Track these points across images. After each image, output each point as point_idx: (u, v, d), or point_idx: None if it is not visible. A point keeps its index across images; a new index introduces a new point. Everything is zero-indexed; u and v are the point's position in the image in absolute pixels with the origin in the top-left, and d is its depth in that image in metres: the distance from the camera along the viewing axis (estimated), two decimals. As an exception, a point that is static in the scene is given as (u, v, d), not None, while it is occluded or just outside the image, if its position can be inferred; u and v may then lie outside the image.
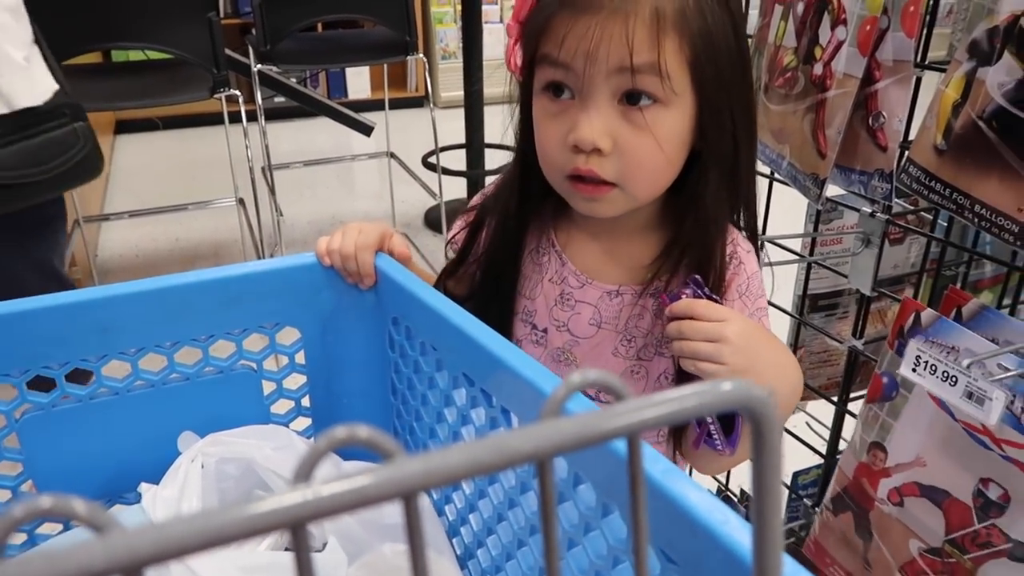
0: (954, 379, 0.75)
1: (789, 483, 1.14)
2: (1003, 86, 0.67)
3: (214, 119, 3.38)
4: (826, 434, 1.07)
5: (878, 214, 0.89)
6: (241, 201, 2.35)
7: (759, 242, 0.75)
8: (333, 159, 3.23)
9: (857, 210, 0.92)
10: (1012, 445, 0.71)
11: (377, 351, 0.75)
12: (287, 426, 0.77)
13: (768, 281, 0.78)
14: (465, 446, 0.18)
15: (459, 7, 3.48)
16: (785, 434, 1.11)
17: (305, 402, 0.78)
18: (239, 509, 0.16)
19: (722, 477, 1.28)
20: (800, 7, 0.89)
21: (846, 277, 0.97)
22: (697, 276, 0.64)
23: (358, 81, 4.29)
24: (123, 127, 3.91)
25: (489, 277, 0.75)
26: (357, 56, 2.58)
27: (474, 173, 2.81)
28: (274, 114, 3.71)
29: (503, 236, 0.74)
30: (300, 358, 0.76)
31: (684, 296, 0.63)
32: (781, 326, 1.02)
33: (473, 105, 2.71)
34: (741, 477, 1.29)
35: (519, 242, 0.74)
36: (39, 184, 1.25)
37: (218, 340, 0.72)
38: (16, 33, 1.25)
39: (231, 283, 0.70)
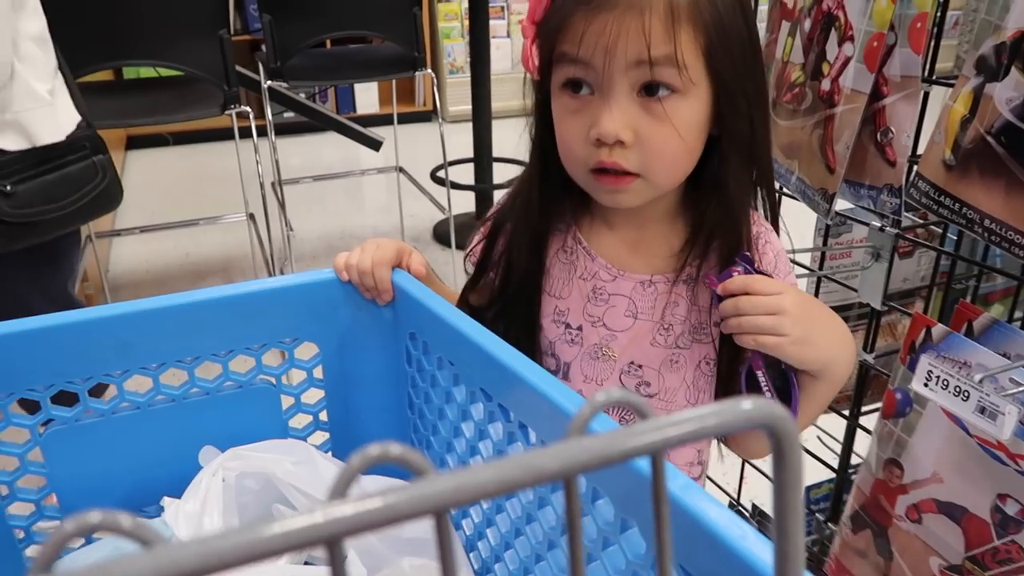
0: (966, 394, 0.75)
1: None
2: (1011, 101, 0.67)
3: (224, 135, 3.41)
4: (838, 448, 1.07)
5: (887, 228, 0.89)
6: (251, 216, 2.37)
7: (778, 220, 0.76)
8: (342, 174, 3.25)
9: (866, 224, 0.92)
10: (1026, 459, 0.71)
11: (394, 366, 0.76)
12: (305, 440, 0.77)
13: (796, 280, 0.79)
14: (494, 464, 0.19)
15: (467, 22, 3.51)
16: (802, 451, 1.10)
17: (323, 416, 0.79)
18: (279, 525, 0.17)
19: (733, 491, 1.27)
20: (807, 23, 0.90)
21: (856, 291, 0.98)
22: (746, 254, 0.66)
23: (367, 96, 4.32)
24: (134, 143, 3.95)
25: (512, 281, 0.75)
26: (366, 72, 2.60)
27: (482, 187, 2.82)
28: (284, 129, 3.74)
29: (525, 238, 0.74)
30: (318, 373, 0.77)
31: (736, 274, 0.64)
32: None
33: (481, 119, 2.72)
34: (752, 492, 1.28)
35: (542, 242, 0.75)
36: (55, 220, 1.21)
37: (237, 355, 0.73)
38: (42, 64, 1.21)
39: (250, 299, 0.71)
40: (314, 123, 3.22)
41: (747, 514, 1.24)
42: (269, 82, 2.25)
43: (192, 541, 0.17)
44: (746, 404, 0.21)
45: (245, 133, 2.04)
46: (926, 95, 0.80)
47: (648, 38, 0.60)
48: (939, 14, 0.78)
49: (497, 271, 0.77)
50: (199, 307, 0.70)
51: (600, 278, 0.74)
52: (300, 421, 0.79)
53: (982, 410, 0.73)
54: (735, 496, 1.27)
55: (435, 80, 2.44)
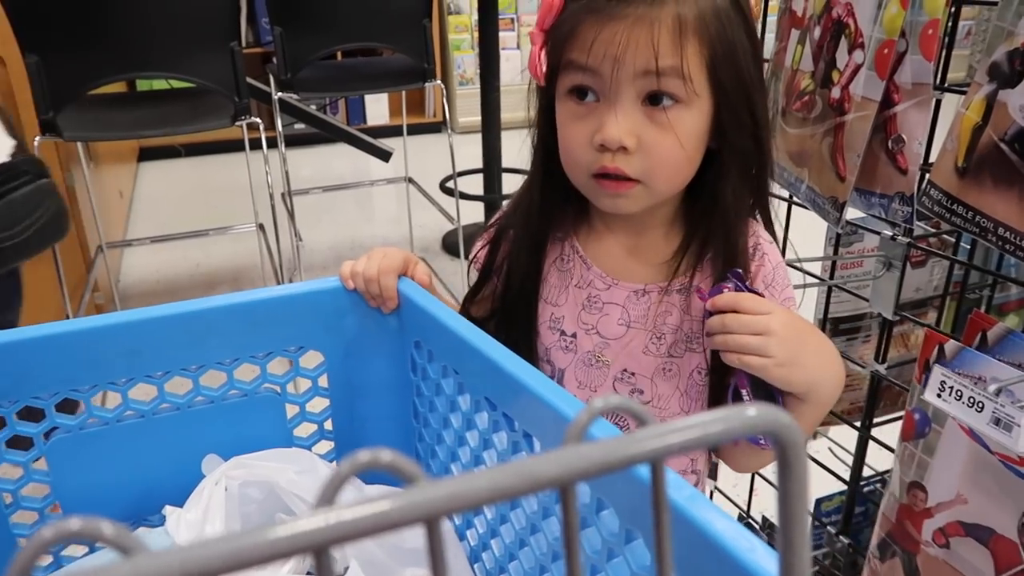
0: (980, 405, 0.73)
1: (812, 510, 1.13)
2: (1024, 108, 0.66)
3: (235, 146, 3.43)
4: (849, 460, 1.05)
5: (899, 237, 0.88)
6: (261, 226, 2.38)
7: (775, 232, 0.76)
8: (352, 184, 3.26)
9: (878, 233, 0.91)
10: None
11: (399, 375, 0.76)
12: (310, 449, 0.77)
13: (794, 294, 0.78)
14: (488, 471, 0.18)
15: (476, 34, 3.52)
16: (807, 460, 1.09)
17: (328, 425, 0.79)
18: (263, 532, 0.16)
19: (743, 503, 1.26)
20: (817, 31, 0.89)
21: (867, 301, 0.96)
22: (738, 270, 0.66)
23: (377, 107, 4.34)
24: (146, 154, 3.97)
25: (513, 285, 0.76)
26: (376, 83, 2.61)
27: (491, 197, 2.82)
28: (294, 141, 3.75)
29: (525, 242, 0.75)
30: (323, 381, 0.77)
31: (726, 290, 0.63)
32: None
33: (491, 130, 2.72)
34: (763, 504, 1.27)
35: (542, 248, 0.76)
36: (9, 249, 1.11)
37: (242, 363, 0.72)
38: None
39: (256, 307, 0.71)
40: (324, 134, 3.24)
41: (757, 527, 1.23)
42: (280, 94, 2.26)
43: (174, 549, 0.16)
44: (751, 411, 0.20)
45: (256, 144, 2.04)
46: (938, 102, 0.79)
47: (656, 49, 0.61)
48: (951, 22, 0.77)
49: (499, 277, 0.77)
50: (205, 315, 0.70)
51: (595, 287, 0.74)
52: (305, 430, 0.78)
53: (997, 421, 0.72)
54: (745, 508, 1.26)
55: (445, 91, 2.45)
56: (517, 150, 0.78)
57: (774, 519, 1.24)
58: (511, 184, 2.79)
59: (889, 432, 0.99)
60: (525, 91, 0.75)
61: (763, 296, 0.65)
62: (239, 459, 0.70)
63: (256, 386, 0.74)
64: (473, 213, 2.84)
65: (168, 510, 0.68)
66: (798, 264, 1.04)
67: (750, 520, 1.25)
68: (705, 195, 0.70)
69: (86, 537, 0.17)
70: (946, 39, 0.77)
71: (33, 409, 0.67)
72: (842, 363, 0.66)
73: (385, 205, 3.50)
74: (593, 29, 0.63)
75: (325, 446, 0.79)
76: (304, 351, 0.75)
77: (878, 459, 1.05)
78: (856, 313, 1.11)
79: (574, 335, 0.75)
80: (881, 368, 0.95)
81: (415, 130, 3.98)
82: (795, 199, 0.99)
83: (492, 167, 2.78)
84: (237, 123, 1.94)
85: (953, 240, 0.99)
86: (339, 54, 3.35)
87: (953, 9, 0.77)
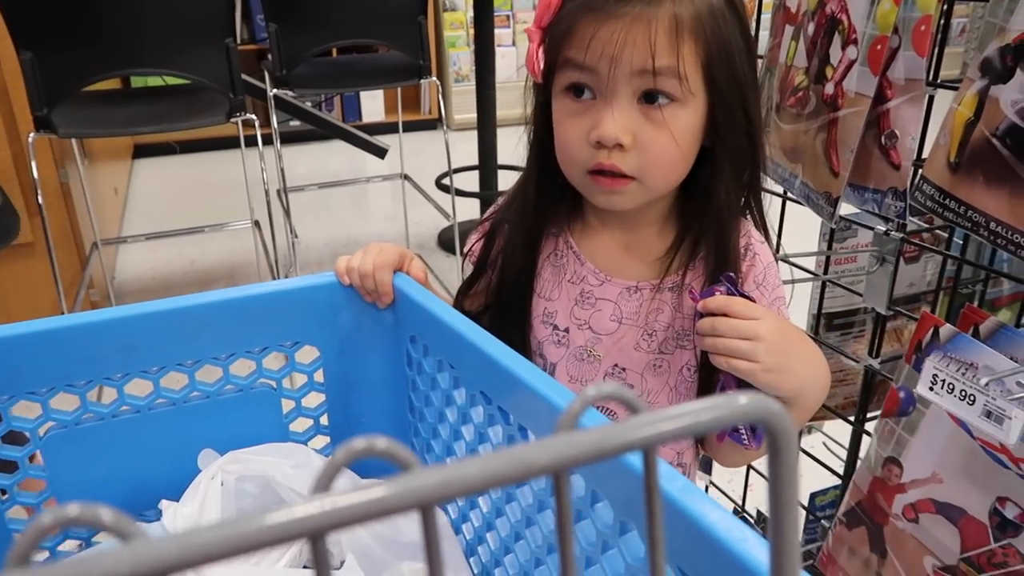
0: (972, 398, 0.74)
1: (807, 504, 1.13)
2: (1016, 103, 0.67)
3: (230, 143, 3.42)
4: (843, 454, 1.06)
5: (892, 232, 0.89)
6: (256, 223, 2.37)
7: (768, 231, 0.77)
8: (347, 181, 3.25)
9: (871, 228, 0.92)
10: (1032, 464, 0.71)
11: (395, 369, 0.76)
12: (306, 444, 0.77)
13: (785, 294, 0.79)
14: (481, 458, 0.18)
15: (472, 31, 3.52)
16: (802, 455, 1.10)
17: (323, 420, 0.79)
18: (260, 519, 0.17)
19: (738, 497, 1.26)
20: (811, 27, 0.90)
21: (861, 296, 0.97)
22: (730, 274, 0.66)
23: (372, 104, 4.33)
24: (141, 151, 3.96)
25: (507, 280, 0.77)
26: (371, 80, 2.60)
27: (487, 194, 2.82)
28: (289, 137, 3.75)
29: (520, 238, 0.76)
30: (319, 377, 0.77)
31: (718, 293, 0.64)
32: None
33: (486, 126, 2.72)
34: (758, 499, 1.27)
35: (537, 243, 0.76)
36: None
37: (238, 359, 0.73)
38: None
39: (251, 302, 0.71)
40: (320, 131, 3.23)
41: (751, 521, 1.23)
42: (275, 90, 2.26)
43: (173, 535, 0.16)
44: (742, 399, 0.21)
45: (251, 141, 2.04)
46: (931, 98, 0.79)
47: (653, 49, 0.62)
48: (943, 19, 0.78)
49: (494, 271, 0.78)
50: (200, 311, 0.70)
51: (588, 282, 0.75)
52: (301, 425, 0.79)
53: (988, 414, 0.73)
54: (740, 503, 1.26)
55: (440, 88, 2.45)
56: (513, 147, 0.78)
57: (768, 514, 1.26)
58: (507, 181, 2.77)
59: (882, 426, 0.99)
60: (521, 88, 0.75)
61: (754, 300, 0.65)
62: (235, 454, 0.71)
63: (252, 381, 0.74)
64: (469, 210, 2.84)
65: (164, 504, 0.69)
66: (792, 259, 1.04)
67: (745, 515, 1.25)
68: (699, 193, 0.71)
69: (85, 523, 0.17)
70: (939, 35, 0.78)
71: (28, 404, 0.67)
72: (828, 370, 0.67)
73: (381, 202, 3.50)
74: (591, 27, 0.63)
75: (321, 441, 0.79)
76: (300, 346, 0.75)
77: (872, 453, 1.05)
78: (850, 308, 1.12)
79: (567, 330, 0.75)
80: (875, 363, 0.95)
81: (411, 127, 3.98)
82: (789, 194, 0.99)
83: (488, 164, 2.78)
84: (232, 120, 1.94)
85: (946, 235, 0.99)
86: (334, 51, 3.35)
87: (945, 6, 0.78)
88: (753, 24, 1.05)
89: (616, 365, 0.74)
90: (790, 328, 0.66)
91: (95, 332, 0.67)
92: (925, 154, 0.79)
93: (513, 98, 0.80)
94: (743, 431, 0.63)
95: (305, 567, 0.63)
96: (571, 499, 0.21)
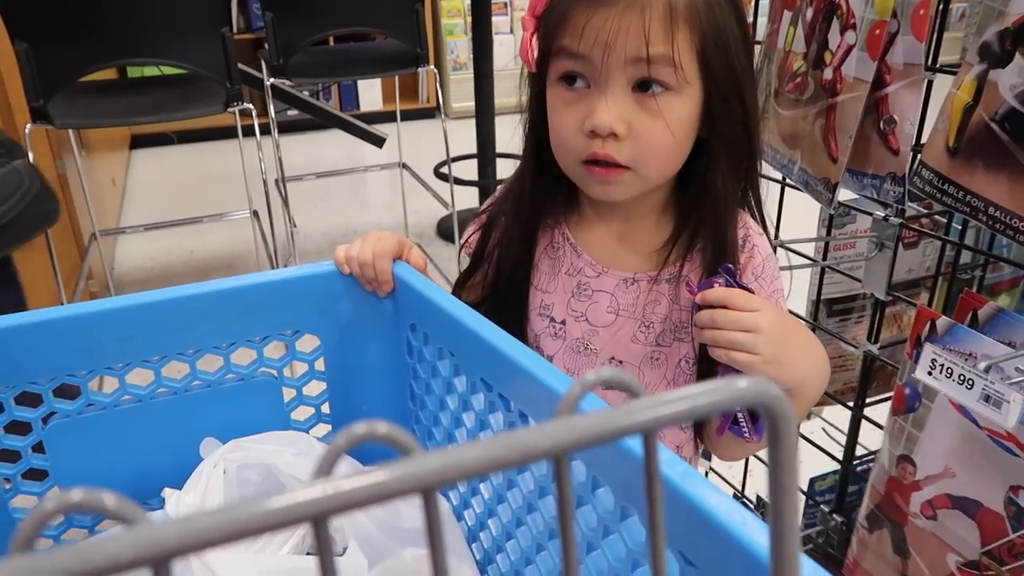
0: (971, 382, 0.74)
1: (806, 489, 1.14)
2: (1015, 88, 0.67)
3: (228, 133, 3.41)
4: (843, 440, 1.06)
5: (891, 218, 0.89)
6: (255, 213, 2.37)
7: (766, 221, 0.77)
8: (345, 171, 3.25)
9: (870, 214, 0.92)
10: (1034, 449, 0.71)
11: (396, 357, 0.76)
12: (307, 432, 0.77)
13: (784, 285, 0.79)
14: (483, 442, 0.18)
15: (469, 19, 3.50)
16: (801, 440, 1.10)
17: (325, 408, 0.79)
18: (262, 503, 0.17)
19: (738, 483, 1.27)
20: (809, 12, 0.89)
21: (860, 281, 0.97)
22: (729, 265, 0.66)
23: (370, 93, 4.32)
24: (138, 142, 3.95)
25: (504, 272, 0.76)
26: (368, 69, 2.59)
27: (486, 182, 2.82)
28: (287, 127, 3.73)
29: (517, 230, 0.76)
30: (320, 365, 0.77)
31: (716, 285, 0.63)
32: (795, 331, 1.01)
33: (484, 115, 2.72)
34: (757, 484, 1.28)
35: (533, 235, 0.76)
36: None
37: (239, 348, 0.73)
38: None
39: (251, 291, 0.71)
40: (317, 120, 3.22)
41: (751, 506, 1.24)
42: (272, 80, 2.25)
43: (175, 519, 0.16)
44: (741, 383, 0.21)
45: (248, 131, 2.04)
46: (929, 83, 0.79)
47: (647, 36, 0.61)
48: (942, 3, 0.77)
49: (490, 263, 0.78)
50: (201, 300, 0.70)
51: (585, 274, 0.75)
52: (302, 413, 0.79)
53: (987, 398, 0.73)
54: (740, 489, 1.27)
55: (438, 77, 2.44)
56: (511, 135, 0.78)
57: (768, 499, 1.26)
58: (505, 169, 2.78)
59: (882, 412, 0.99)
60: (518, 76, 0.74)
61: (753, 292, 0.65)
62: (237, 442, 0.71)
63: (253, 370, 0.75)
64: (467, 198, 2.84)
65: (167, 492, 0.69)
66: (791, 245, 1.04)
67: (744, 500, 1.26)
68: (695, 184, 0.70)
69: (88, 508, 0.17)
70: (937, 20, 0.78)
71: (31, 394, 0.67)
72: (828, 361, 0.66)
73: (379, 191, 3.49)
74: (584, 15, 0.63)
75: (322, 429, 0.79)
76: (300, 335, 0.75)
77: (871, 438, 1.06)
78: (849, 294, 1.12)
79: (563, 322, 0.75)
80: (874, 348, 0.95)
81: (408, 116, 3.96)
82: (788, 181, 0.99)
83: (486, 152, 2.78)
84: (229, 109, 1.93)
85: (945, 221, 0.99)
86: (331, 39, 3.33)
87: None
88: (751, 9, 1.04)
89: (613, 358, 0.74)
90: (789, 320, 0.65)
91: (95, 322, 0.67)
92: (924, 139, 0.79)
93: (511, 86, 0.79)
94: (744, 423, 0.63)
95: (308, 553, 0.64)
96: (572, 484, 0.21)
